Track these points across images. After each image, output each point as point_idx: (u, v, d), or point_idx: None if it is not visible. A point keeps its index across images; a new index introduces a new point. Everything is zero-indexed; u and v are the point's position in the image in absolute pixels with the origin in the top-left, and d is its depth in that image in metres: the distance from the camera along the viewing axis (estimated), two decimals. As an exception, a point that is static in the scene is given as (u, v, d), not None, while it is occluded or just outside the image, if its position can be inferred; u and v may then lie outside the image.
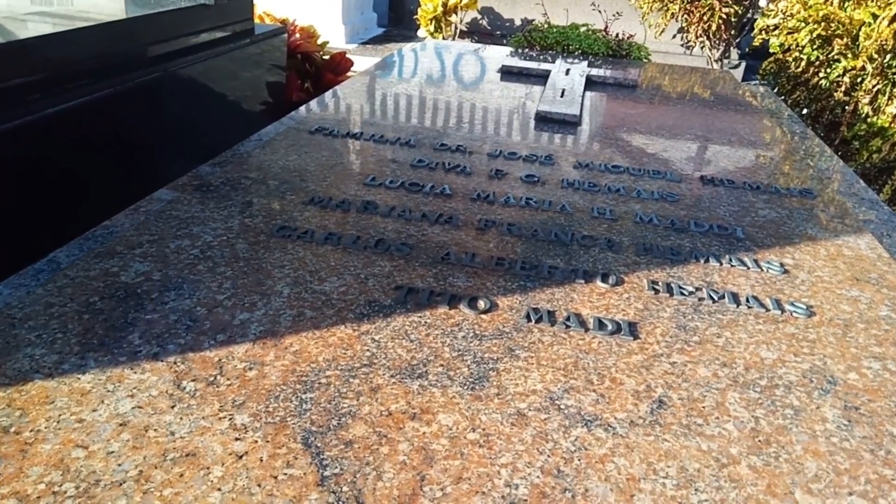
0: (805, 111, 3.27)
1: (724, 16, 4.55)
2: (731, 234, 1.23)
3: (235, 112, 2.35)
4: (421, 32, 6.65)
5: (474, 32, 6.92)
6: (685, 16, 4.65)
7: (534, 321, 0.92)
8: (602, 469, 0.68)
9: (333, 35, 6.45)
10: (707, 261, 1.12)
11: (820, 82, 3.17)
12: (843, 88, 3.02)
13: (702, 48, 4.86)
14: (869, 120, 2.93)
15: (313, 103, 1.89)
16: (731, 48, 4.87)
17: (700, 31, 4.73)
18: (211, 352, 0.81)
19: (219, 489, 0.62)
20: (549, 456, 0.69)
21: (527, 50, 3.00)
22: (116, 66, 1.70)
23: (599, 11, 3.70)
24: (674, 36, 5.07)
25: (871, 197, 1.67)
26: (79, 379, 0.75)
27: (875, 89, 2.91)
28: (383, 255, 1.07)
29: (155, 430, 0.69)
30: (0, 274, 0.96)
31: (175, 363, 0.79)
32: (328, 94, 2.00)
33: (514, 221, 1.22)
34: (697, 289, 1.03)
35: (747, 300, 1.01)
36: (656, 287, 1.03)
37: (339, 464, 0.66)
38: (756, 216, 1.32)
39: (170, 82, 1.90)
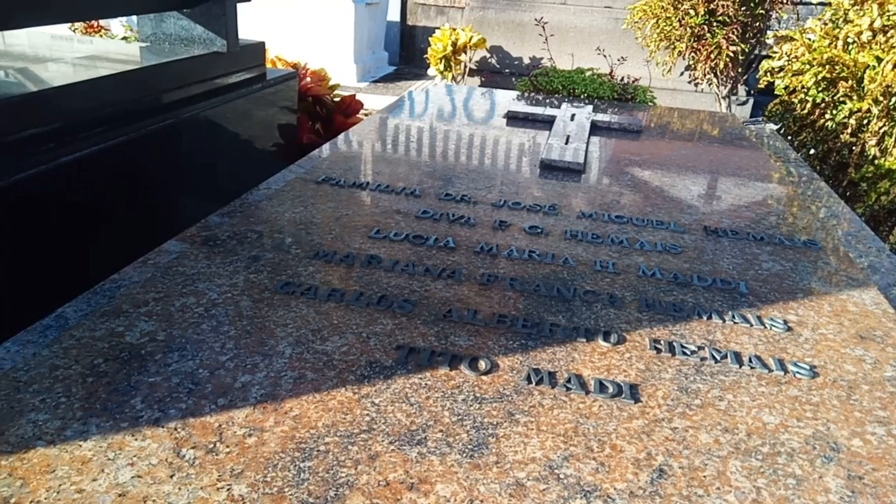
0: (812, 151, 3.28)
1: (731, 54, 4.60)
2: (734, 288, 1.23)
3: (248, 155, 2.39)
4: (431, 71, 6.76)
5: (483, 71, 7.03)
6: (692, 54, 4.71)
7: (534, 383, 0.92)
8: (600, 544, 0.67)
9: (345, 74, 6.57)
10: (710, 317, 1.12)
11: (826, 124, 3.19)
12: (849, 130, 3.03)
13: (709, 85, 4.90)
14: (876, 162, 2.93)
15: (324, 149, 1.92)
16: (739, 85, 4.92)
17: (707, 69, 4.79)
18: (211, 417, 0.82)
19: (214, 566, 0.62)
20: (547, 530, 0.69)
21: (533, 94, 3.04)
22: (131, 113, 1.74)
23: (605, 56, 3.76)
24: (681, 73, 5.13)
25: (878, 245, 1.67)
26: (80, 446, 0.76)
27: (881, 131, 2.92)
28: (385, 313, 1.07)
29: (153, 500, 0.69)
30: (12, 323, 0.98)
31: (176, 429, 0.79)
32: (338, 139, 2.04)
33: (516, 276, 1.22)
34: (700, 348, 1.03)
35: (750, 360, 1.00)
36: (658, 346, 1.03)
37: (336, 538, 0.66)
38: (760, 269, 1.32)
39: (184, 128, 1.94)
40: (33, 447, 0.75)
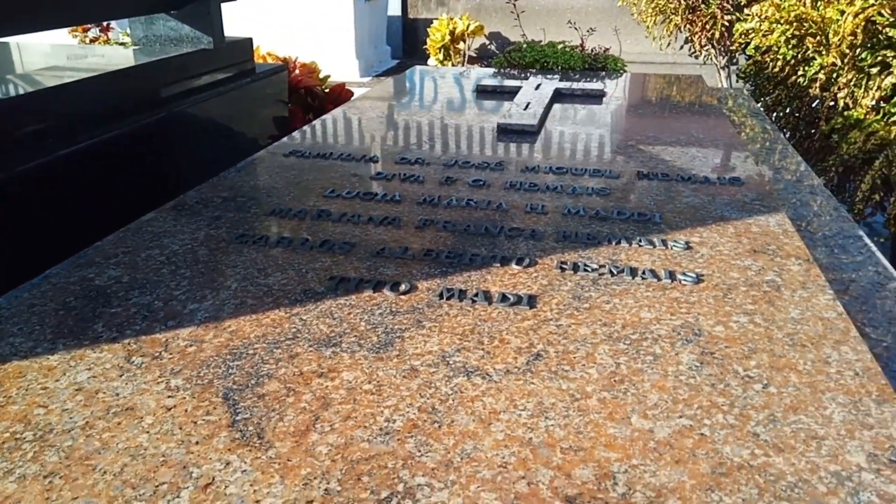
0: (788, 109, 3.36)
1: (725, 23, 4.66)
2: (649, 219, 1.35)
3: (242, 147, 2.55)
4: (431, 61, 6.89)
5: (483, 58, 7.13)
6: (688, 26, 4.77)
7: (445, 298, 1.06)
8: (471, 406, 0.81)
9: (348, 69, 6.71)
10: (619, 243, 1.24)
11: (798, 80, 3.26)
12: (818, 84, 3.10)
13: (706, 56, 4.96)
14: (846, 113, 3.00)
15: (298, 131, 2.07)
16: (737, 54, 4.97)
17: (704, 40, 4.85)
18: (160, 334, 0.97)
19: (147, 432, 0.77)
20: (428, 399, 0.82)
21: (508, 70, 3.16)
22: (122, 110, 1.90)
23: (576, 28, 3.87)
24: (681, 47, 5.18)
25: (813, 182, 1.77)
26: (48, 359, 0.91)
27: (850, 83, 2.99)
28: (326, 253, 1.22)
29: (104, 392, 0.84)
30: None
31: (129, 344, 0.94)
32: (315, 122, 2.18)
33: (451, 220, 1.36)
34: (601, 266, 1.15)
35: (643, 273, 1.12)
36: (564, 266, 1.15)
37: (250, 411, 0.80)
38: (679, 203, 1.43)
39: (176, 122, 2.09)
40: (9, 361, 0.91)
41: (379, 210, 1.41)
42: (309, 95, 3.58)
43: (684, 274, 1.12)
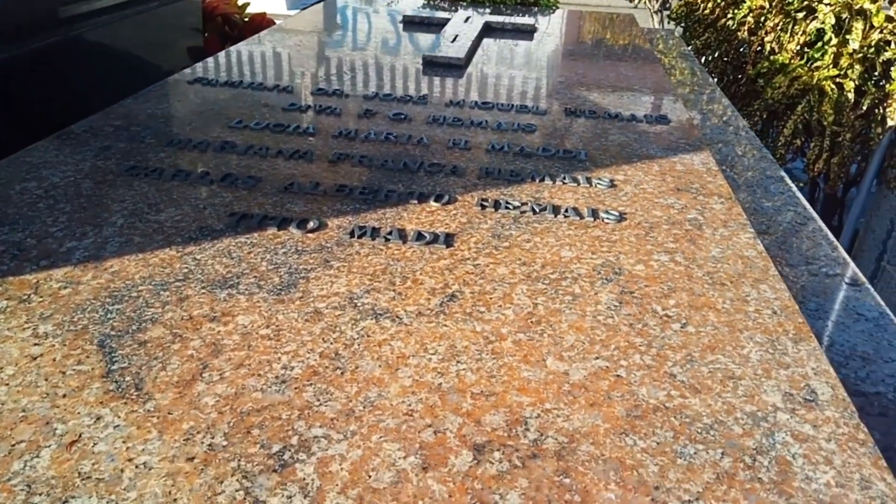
0: (716, 53, 3.36)
1: (660, -36, 4.61)
2: (574, 156, 1.30)
3: (151, 78, 2.34)
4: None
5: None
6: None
7: (357, 236, 0.98)
8: (377, 351, 0.75)
9: (274, 1, 6.33)
10: (542, 180, 1.19)
11: (727, 23, 3.26)
12: (747, 27, 3.10)
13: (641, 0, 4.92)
14: (772, 57, 3.02)
15: (211, 58, 1.90)
16: (670, -1, 4.94)
17: (638, -19, 4.80)
18: (31, 275, 0.86)
19: (6, 384, 0.68)
20: (331, 344, 0.75)
21: (438, 1, 3.02)
22: (8, 33, 1.68)
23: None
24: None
25: (739, 123, 1.76)
26: None
27: (777, 27, 3.00)
28: (228, 188, 1.11)
29: (-43, 340, 0.73)
30: None
31: (-8, 286, 0.83)
32: (230, 49, 2.01)
33: (368, 154, 1.27)
34: (523, 203, 1.10)
35: (566, 211, 1.08)
36: (485, 203, 1.09)
37: (129, 360, 0.72)
38: (605, 141, 1.39)
39: (71, 49, 1.88)
40: None
41: (290, 143, 1.30)
42: (227, 24, 3.34)
43: (607, 212, 1.08)
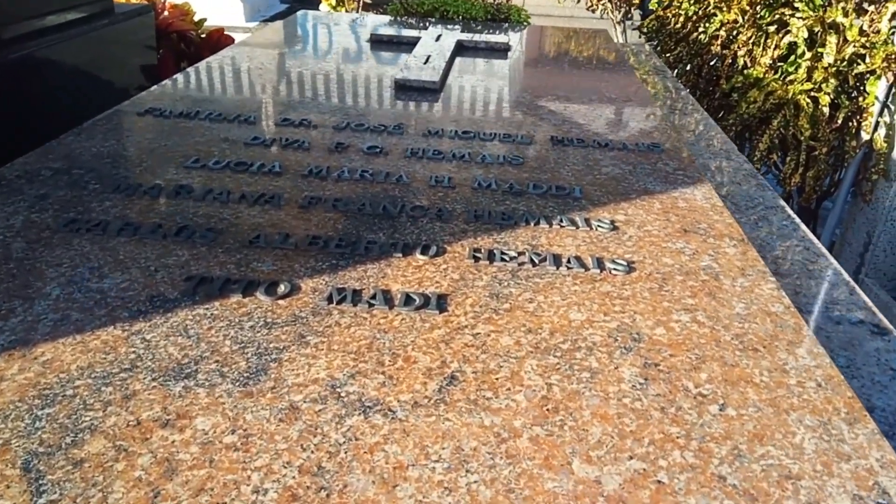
0: (689, 67, 3.32)
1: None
2: (568, 193, 1.19)
3: (102, 103, 2.17)
4: (323, 7, 6.43)
5: (379, 4, 6.74)
6: (584, -21, 4.66)
7: (335, 302, 0.85)
8: (369, 460, 0.62)
9: (232, 13, 6.15)
10: (537, 223, 1.08)
11: (699, 37, 3.21)
12: (720, 41, 3.06)
13: (603, 11, 4.89)
14: (745, 71, 2.98)
15: (159, 85, 1.75)
16: (633, 9, 4.92)
17: (601, -6, 4.77)
18: (-58, 371, 0.71)
19: None
20: (312, 452, 0.62)
21: (405, 18, 2.90)
22: None
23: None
24: (578, 0, 5.08)
25: (729, 147, 1.68)
26: None
27: (750, 41, 2.96)
28: (183, 244, 0.97)
29: None
30: None
31: None
32: (181, 73, 1.86)
33: (342, 196, 1.14)
34: (520, 253, 0.98)
35: (568, 261, 0.97)
36: (478, 255, 0.97)
37: (61, 488, 0.58)
38: (598, 174, 1.29)
39: (12, 73, 1.71)
40: None
41: (254, 185, 1.17)
42: (182, 41, 3.17)
43: (614, 261, 0.97)
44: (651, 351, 0.78)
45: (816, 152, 2.69)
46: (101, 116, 1.47)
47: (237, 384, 0.71)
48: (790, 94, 2.73)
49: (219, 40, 3.28)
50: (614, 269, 0.95)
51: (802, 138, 2.63)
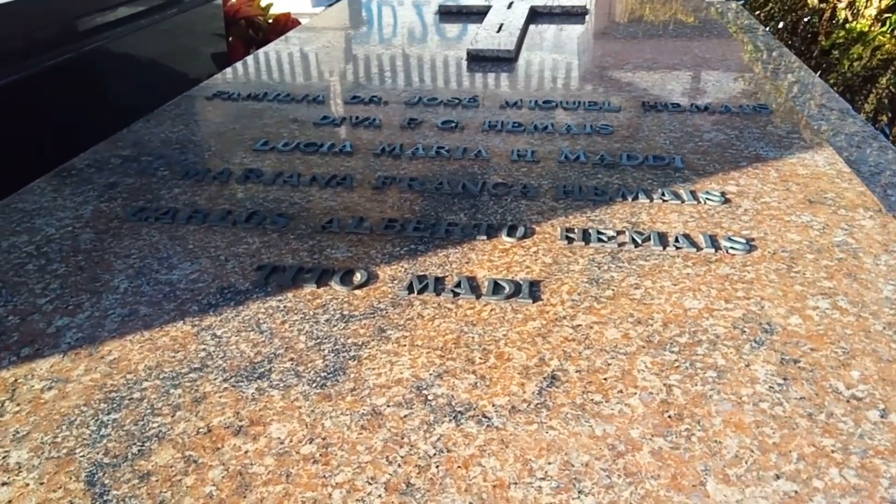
0: (781, 24, 3.06)
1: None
2: (668, 164, 1.07)
3: (175, 91, 2.17)
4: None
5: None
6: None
7: (416, 291, 0.77)
8: (464, 476, 0.54)
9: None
10: (636, 198, 0.96)
11: (792, -9, 2.95)
12: (816, -5, 2.80)
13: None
14: (847, 26, 2.72)
15: (229, 68, 1.71)
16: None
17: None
18: (9, 371, 0.67)
19: (-44, 558, 0.49)
20: (399, 466, 0.55)
21: (473, -11, 2.78)
22: (21, 50, 1.52)
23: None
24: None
25: (841, 106, 1.50)
26: None
27: (852, -8, 2.70)
28: (254, 231, 0.91)
29: None
30: None
31: (-42, 391, 0.64)
32: (248, 57, 1.82)
33: (417, 175, 1.06)
34: (619, 232, 0.88)
35: (676, 240, 0.85)
36: (571, 235, 0.87)
37: (126, 505, 0.52)
38: (700, 141, 1.15)
39: (87, 64, 1.71)
40: None
41: (325, 166, 1.10)
42: (250, 27, 3.16)
43: (730, 239, 0.85)
44: (787, 344, 0.67)
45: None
46: (170, 102, 1.44)
47: (314, 385, 0.64)
48: (901, 48, 2.46)
49: (286, 24, 3.25)
50: (731, 247, 0.83)
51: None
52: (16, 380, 0.66)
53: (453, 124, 1.25)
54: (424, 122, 1.28)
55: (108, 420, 0.60)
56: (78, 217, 0.96)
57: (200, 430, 0.59)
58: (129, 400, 0.62)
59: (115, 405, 0.62)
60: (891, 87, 2.47)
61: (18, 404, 0.62)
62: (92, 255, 0.86)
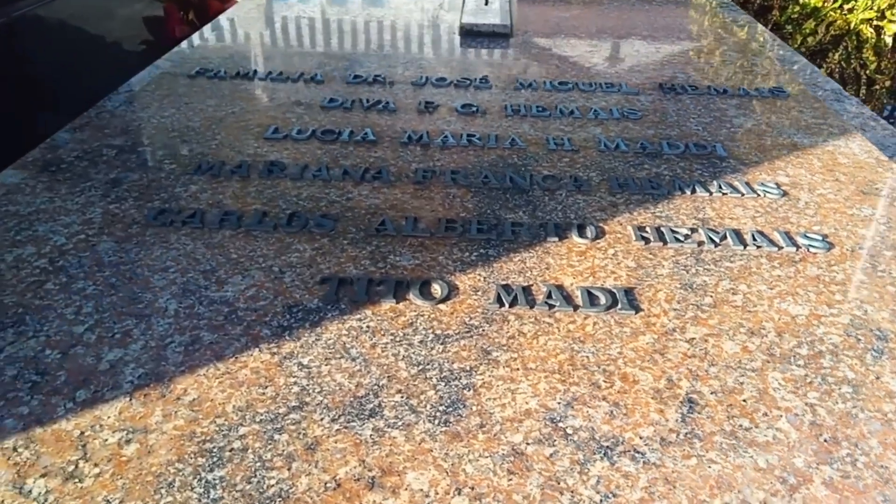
0: (732, -3, 3.10)
1: None
2: (710, 152, 1.04)
3: (108, 56, 1.96)
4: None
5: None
6: None
7: (507, 304, 0.71)
8: (641, 524, 0.49)
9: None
10: (693, 191, 0.93)
11: (746, -35, 2.99)
12: (771, -31, 2.85)
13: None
14: (801, 1, 2.78)
15: (194, 38, 1.56)
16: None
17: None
18: (68, 421, 0.57)
19: None
20: (566, 515, 0.50)
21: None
22: None
23: None
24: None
25: (833, 87, 1.52)
26: None
27: (804, -33, 2.75)
28: (300, 235, 0.82)
29: (-18, 579, 0.45)
30: None
31: (15, 450, 0.54)
32: (210, 25, 1.66)
33: (458, 167, 0.99)
34: (692, 230, 0.84)
35: (753, 238, 0.83)
36: (644, 235, 0.83)
37: (273, 588, 0.45)
38: (732, 127, 1.13)
39: (18, 28, 1.51)
40: None
41: (351, 157, 1.01)
42: (186, -12, 2.92)
43: (806, 236, 0.83)
44: (907, 353, 0.66)
45: (877, 86, 2.53)
46: (147, 79, 1.29)
47: (436, 422, 0.57)
48: (852, 25, 2.55)
49: (226, -14, 3.02)
50: (810, 245, 0.81)
51: (868, 71, 2.47)
52: (82, 433, 0.56)
53: (474, 109, 1.18)
54: (442, 106, 1.20)
55: (213, 479, 0.52)
56: (88, 222, 0.84)
57: (328, 485, 0.52)
58: (231, 451, 0.54)
59: (215, 459, 0.54)
60: (842, 63, 2.56)
61: (96, 464, 0.53)
62: (121, 269, 0.75)
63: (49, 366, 0.62)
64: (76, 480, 0.52)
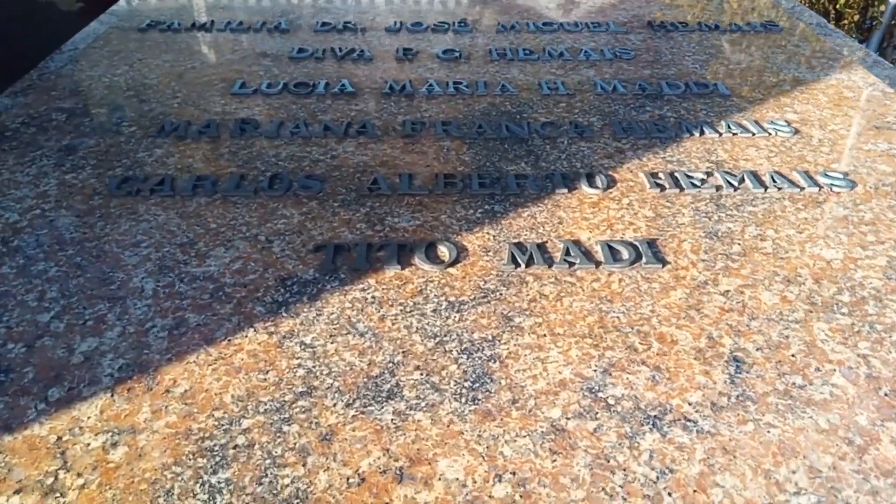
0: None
1: None
2: (712, 91, 0.99)
3: (41, 12, 1.81)
4: None
5: None
6: None
7: (523, 264, 0.65)
8: (707, 500, 0.44)
9: None
10: (701, 132, 0.88)
11: None
12: None
13: None
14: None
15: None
16: None
17: None
18: (42, 425, 0.49)
19: None
20: (625, 500, 0.45)
21: None
22: None
23: None
24: None
25: (818, 20, 1.46)
26: None
27: None
28: (285, 200, 0.74)
29: None
30: None
31: (-20, 465, 0.46)
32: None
33: (448, 118, 0.91)
34: (707, 174, 0.79)
35: (773, 179, 0.78)
36: (658, 181, 0.78)
37: None
38: (730, 64, 1.08)
39: None
40: None
41: (330, 111, 0.93)
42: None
43: (826, 175, 0.78)
44: (951, 294, 0.62)
45: (846, 20, 2.50)
46: (94, 34, 1.17)
47: (464, 401, 0.51)
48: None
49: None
50: (832, 184, 0.77)
51: (838, 5, 2.44)
52: (60, 437, 0.48)
53: (456, 54, 1.10)
54: (422, 52, 1.11)
55: (219, 483, 0.45)
56: (42, 195, 0.74)
57: (351, 480, 0.46)
58: (235, 449, 0.48)
59: (218, 459, 0.47)
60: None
61: (80, 474, 0.46)
62: (85, 246, 0.67)
63: (13, 361, 0.54)
64: (57, 495, 0.45)
